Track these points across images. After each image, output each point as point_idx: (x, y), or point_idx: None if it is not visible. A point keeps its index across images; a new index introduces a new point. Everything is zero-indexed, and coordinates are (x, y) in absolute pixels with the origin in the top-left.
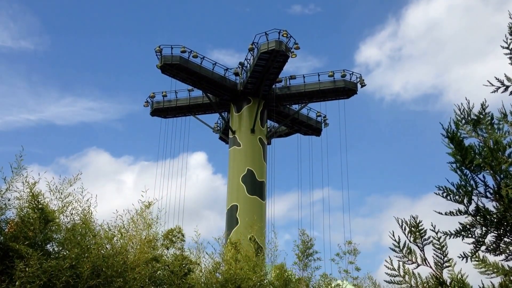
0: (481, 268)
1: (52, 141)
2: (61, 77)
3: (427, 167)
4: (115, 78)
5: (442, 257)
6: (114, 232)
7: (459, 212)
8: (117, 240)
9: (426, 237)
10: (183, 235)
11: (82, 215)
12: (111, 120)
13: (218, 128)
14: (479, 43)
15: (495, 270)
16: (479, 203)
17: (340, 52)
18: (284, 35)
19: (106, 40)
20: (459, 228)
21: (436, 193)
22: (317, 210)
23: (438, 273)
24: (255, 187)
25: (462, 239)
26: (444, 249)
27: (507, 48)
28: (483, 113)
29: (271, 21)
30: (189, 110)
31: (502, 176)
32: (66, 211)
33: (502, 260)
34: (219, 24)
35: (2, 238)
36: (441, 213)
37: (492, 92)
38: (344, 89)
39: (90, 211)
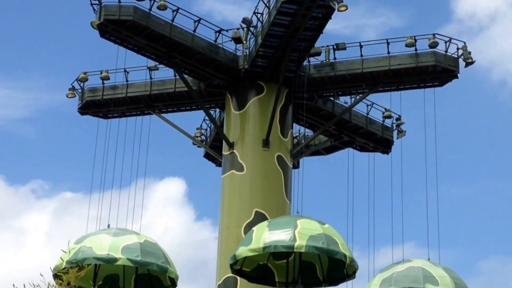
0: None
1: None
2: None
3: None
4: (25, 48)
5: None
6: None
7: None
8: None
9: None
10: None
11: None
12: (13, 119)
13: (203, 137)
14: None
15: None
16: None
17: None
18: None
19: None
20: None
21: None
22: None
23: None
24: None
25: None
26: None
27: None
28: None
29: None
30: (149, 105)
31: None
32: None
33: None
34: None
35: None
36: None
37: None
38: (436, 70)
39: None
